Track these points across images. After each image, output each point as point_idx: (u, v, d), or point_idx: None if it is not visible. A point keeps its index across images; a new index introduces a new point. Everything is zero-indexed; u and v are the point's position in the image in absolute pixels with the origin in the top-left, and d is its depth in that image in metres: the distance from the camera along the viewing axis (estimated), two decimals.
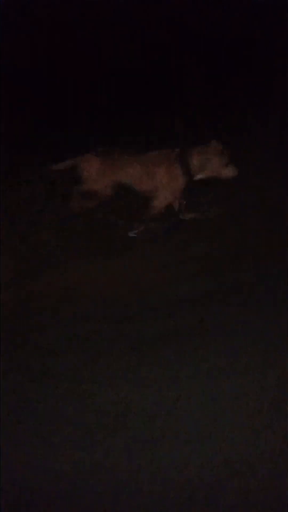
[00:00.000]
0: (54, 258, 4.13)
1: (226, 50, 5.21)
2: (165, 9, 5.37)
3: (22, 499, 2.40)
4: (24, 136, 5.05)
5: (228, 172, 4.46)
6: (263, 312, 3.31)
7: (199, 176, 4.48)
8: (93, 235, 4.37)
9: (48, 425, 2.73)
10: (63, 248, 4.21)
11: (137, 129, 5.00)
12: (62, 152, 4.62)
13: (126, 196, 4.61)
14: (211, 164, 4.45)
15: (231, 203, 4.51)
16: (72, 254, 4.15)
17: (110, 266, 4.05)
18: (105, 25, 5.39)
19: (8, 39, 5.19)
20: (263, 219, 4.31)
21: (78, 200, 4.59)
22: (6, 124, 5.05)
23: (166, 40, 5.35)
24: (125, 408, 2.78)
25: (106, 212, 4.54)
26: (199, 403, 2.78)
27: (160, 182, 4.49)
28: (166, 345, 3.17)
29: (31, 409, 2.81)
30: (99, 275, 3.95)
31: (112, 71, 5.37)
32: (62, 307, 3.60)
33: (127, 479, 2.46)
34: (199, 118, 5.00)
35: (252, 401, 2.74)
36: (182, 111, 5.10)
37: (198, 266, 3.92)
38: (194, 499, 2.37)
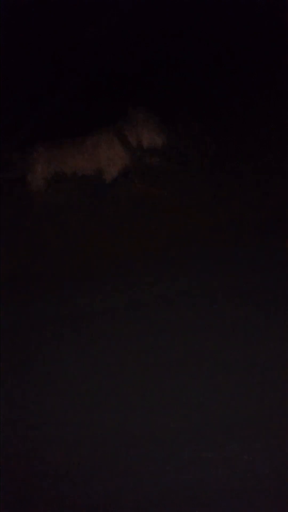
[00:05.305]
0: None
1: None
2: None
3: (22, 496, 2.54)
4: None
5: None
6: (263, 310, 3.28)
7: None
8: None
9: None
10: None
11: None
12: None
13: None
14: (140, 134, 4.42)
15: None
16: None
17: None
18: None
19: None
20: None
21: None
22: None
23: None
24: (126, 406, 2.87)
25: None
26: (199, 402, 2.83)
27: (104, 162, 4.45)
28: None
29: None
30: None
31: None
32: None
33: (127, 479, 2.56)
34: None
35: (252, 401, 2.79)
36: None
37: None
38: (193, 498, 2.46)
